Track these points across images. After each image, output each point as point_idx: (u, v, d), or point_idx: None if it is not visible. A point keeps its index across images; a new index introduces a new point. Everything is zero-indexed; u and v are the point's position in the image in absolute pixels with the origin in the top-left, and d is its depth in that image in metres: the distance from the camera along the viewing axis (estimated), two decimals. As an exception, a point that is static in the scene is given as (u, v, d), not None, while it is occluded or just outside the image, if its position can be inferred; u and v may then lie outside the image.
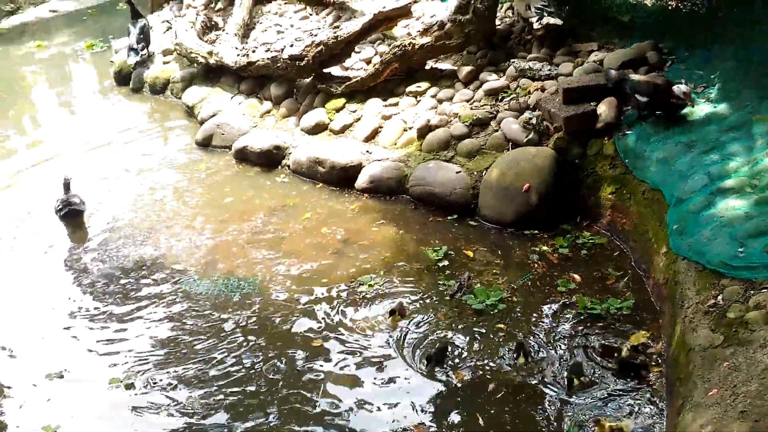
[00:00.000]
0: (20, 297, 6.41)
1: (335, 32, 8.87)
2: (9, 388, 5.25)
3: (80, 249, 7.10)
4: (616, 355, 4.92)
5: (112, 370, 5.34)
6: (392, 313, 5.54)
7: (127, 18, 11.78)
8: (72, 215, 7.51)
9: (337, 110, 8.52)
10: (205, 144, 9.10)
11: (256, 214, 7.38)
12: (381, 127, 8.03)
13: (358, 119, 8.30)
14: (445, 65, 8.59)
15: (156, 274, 6.52)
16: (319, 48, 8.67)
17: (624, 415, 4.45)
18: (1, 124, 10.82)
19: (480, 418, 4.59)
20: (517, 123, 7.11)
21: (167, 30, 11.81)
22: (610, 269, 5.93)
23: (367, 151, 7.80)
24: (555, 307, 5.55)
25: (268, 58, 9.21)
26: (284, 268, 6.42)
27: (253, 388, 5.05)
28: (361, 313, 5.71)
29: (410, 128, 7.79)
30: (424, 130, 7.57)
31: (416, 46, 8.30)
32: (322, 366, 5.21)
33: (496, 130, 7.25)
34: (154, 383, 5.18)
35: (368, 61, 9.09)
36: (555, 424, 4.49)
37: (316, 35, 9.57)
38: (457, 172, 7.04)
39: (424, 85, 8.30)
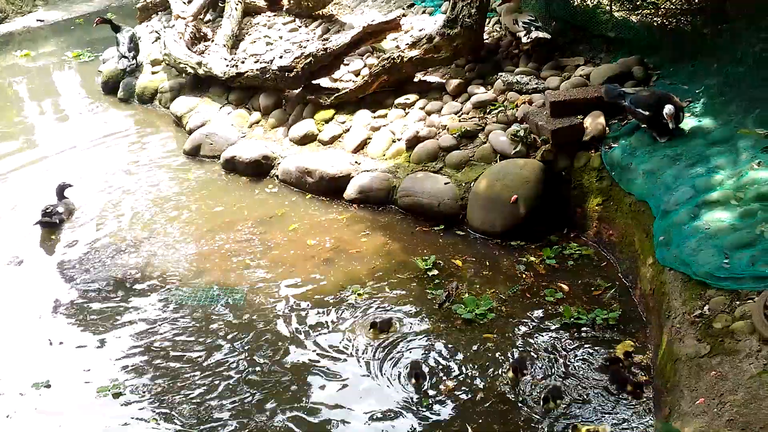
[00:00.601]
0: (4, 305, 6.36)
1: (324, 44, 8.93)
2: (-5, 397, 5.21)
3: (66, 257, 7.06)
4: (605, 365, 4.95)
5: (100, 379, 5.31)
6: (373, 326, 5.53)
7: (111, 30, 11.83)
8: (45, 225, 7.51)
9: (326, 121, 8.56)
10: (194, 154, 9.10)
11: (244, 224, 7.38)
12: (370, 138, 8.08)
13: (347, 130, 8.34)
14: (433, 78, 8.66)
15: (143, 283, 6.50)
16: (308, 59, 8.72)
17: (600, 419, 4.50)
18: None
19: (469, 428, 4.61)
20: (505, 135, 7.17)
21: (156, 40, 11.83)
22: (596, 280, 5.98)
23: (356, 162, 7.84)
24: (543, 317, 5.59)
25: (257, 69, 9.24)
26: (272, 278, 6.42)
27: (240, 398, 5.03)
28: (349, 323, 5.72)
29: (399, 139, 7.84)
30: (413, 142, 7.63)
31: (405, 59, 8.37)
32: (308, 376, 5.20)
33: (484, 142, 7.31)
34: (143, 392, 5.15)
35: (357, 73, 9.15)
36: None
37: (305, 47, 9.62)
38: (445, 183, 7.09)
39: (412, 97, 8.36)
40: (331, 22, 10.69)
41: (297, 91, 9.07)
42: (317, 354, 5.41)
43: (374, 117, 8.33)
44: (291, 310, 5.96)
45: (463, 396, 4.87)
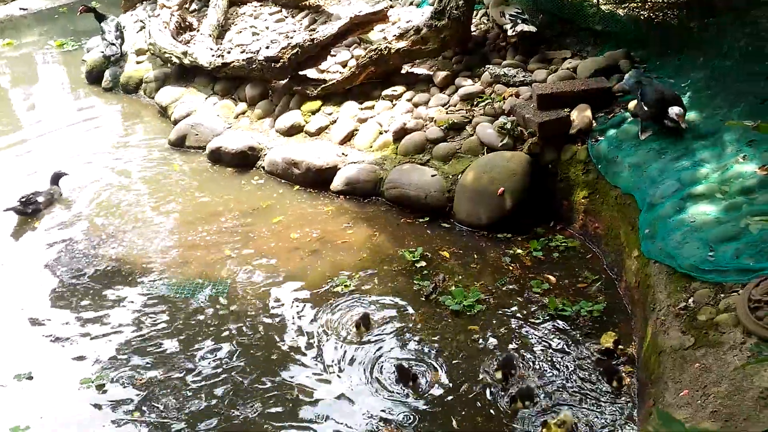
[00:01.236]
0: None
1: (311, 35, 8.87)
2: (-24, 388, 5.16)
3: (49, 247, 6.98)
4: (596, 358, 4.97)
5: (83, 371, 5.27)
6: (357, 326, 5.46)
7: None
8: (18, 213, 7.51)
9: (313, 112, 8.52)
10: (179, 144, 9.03)
11: (229, 216, 7.33)
12: (357, 130, 8.05)
13: (334, 122, 8.30)
14: (420, 70, 8.64)
15: (126, 274, 6.44)
16: (295, 50, 8.66)
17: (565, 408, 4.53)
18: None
19: (453, 420, 4.62)
20: (492, 128, 7.17)
21: (141, 30, 11.71)
22: (582, 272, 6.00)
23: (343, 154, 7.81)
24: (529, 309, 5.60)
25: (243, 60, 9.18)
26: (256, 270, 6.39)
27: (224, 389, 5.01)
28: (335, 315, 5.70)
29: (386, 131, 7.81)
30: (400, 134, 7.61)
31: (392, 51, 8.33)
32: (292, 367, 5.19)
33: (472, 135, 7.31)
34: (126, 384, 5.12)
35: (344, 65, 9.11)
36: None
37: (291, 37, 9.55)
38: (432, 176, 7.08)
39: (399, 89, 8.34)
40: (318, 13, 10.63)
41: (283, 82, 9.02)
42: (302, 345, 5.40)
43: (361, 108, 8.30)
44: (276, 301, 5.94)
45: (449, 387, 4.87)
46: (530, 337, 5.31)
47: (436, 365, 5.08)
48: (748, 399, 3.60)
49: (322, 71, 9.07)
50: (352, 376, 5.05)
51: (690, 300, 4.55)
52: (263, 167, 8.24)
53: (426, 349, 5.25)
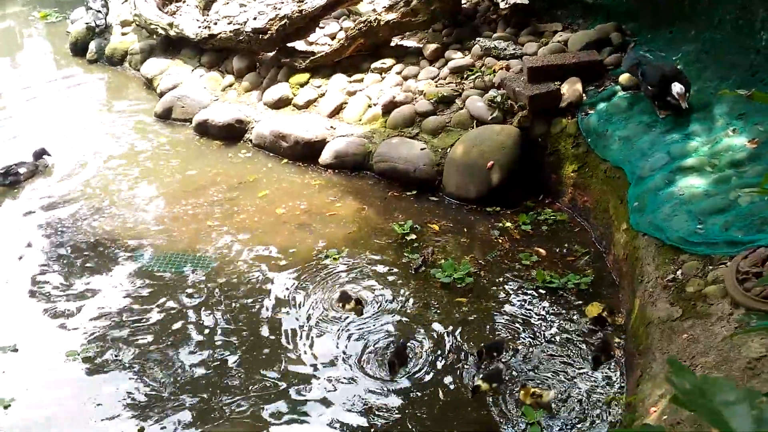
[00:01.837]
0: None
1: (300, 6, 8.74)
2: (-40, 361, 5.11)
3: (32, 220, 6.91)
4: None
5: (69, 344, 5.23)
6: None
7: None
8: None
9: (301, 85, 8.43)
10: (165, 117, 8.92)
11: (216, 189, 7.27)
12: (345, 103, 7.97)
13: (323, 94, 8.22)
14: (410, 42, 8.55)
15: (111, 247, 6.38)
16: (283, 22, 8.54)
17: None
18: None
19: (440, 392, 4.63)
20: (482, 101, 7.12)
21: (126, 1, 11.50)
22: (570, 245, 6.00)
23: (332, 127, 7.74)
24: (517, 282, 5.60)
25: (230, 31, 9.05)
26: (243, 243, 6.34)
27: (212, 362, 4.99)
28: (324, 290, 5.67)
29: (375, 104, 7.74)
30: (389, 107, 7.54)
31: (382, 23, 8.23)
32: (281, 338, 5.17)
33: (461, 108, 7.25)
34: (112, 356, 5.09)
35: (333, 37, 9.00)
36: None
37: (279, 9, 9.41)
38: (421, 149, 7.03)
39: (389, 61, 8.25)
40: (307, -15, 10.47)
41: (271, 54, 8.90)
42: (290, 318, 5.37)
43: (350, 81, 8.21)
44: (262, 274, 5.91)
45: (438, 362, 4.87)
46: (519, 308, 5.31)
47: (425, 336, 5.08)
48: (735, 369, 3.61)
49: (311, 43, 8.95)
50: (342, 350, 5.04)
51: (678, 272, 4.55)
52: (251, 140, 8.16)
53: (414, 322, 5.23)
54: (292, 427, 4.46)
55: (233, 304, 5.57)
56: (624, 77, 6.54)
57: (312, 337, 5.17)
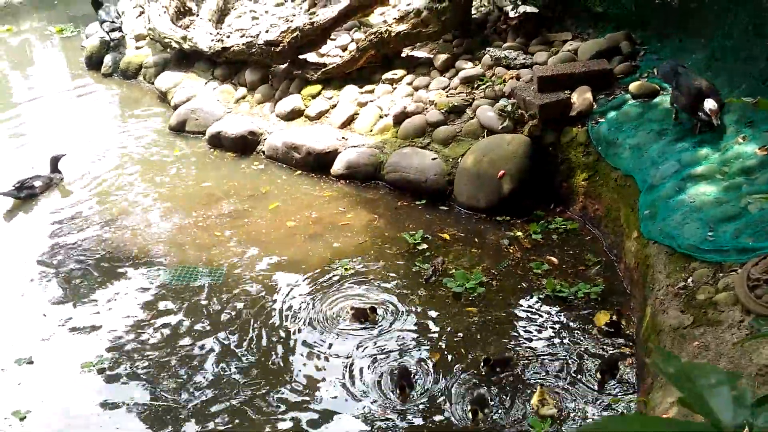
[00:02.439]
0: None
1: (311, 18, 8.83)
2: (-22, 373, 5.18)
3: (48, 232, 7.00)
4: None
5: (84, 355, 5.29)
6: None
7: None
8: (13, 197, 7.54)
9: (313, 96, 8.50)
10: (179, 129, 9.02)
11: (229, 200, 7.33)
12: (357, 114, 8.02)
13: (334, 106, 8.28)
14: (421, 53, 8.60)
15: (124, 260, 6.45)
16: (295, 34, 8.63)
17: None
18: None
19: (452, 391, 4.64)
20: (493, 110, 7.14)
21: (140, 15, 11.66)
22: (581, 254, 5.99)
23: (343, 138, 7.79)
24: (528, 291, 5.60)
25: (243, 44, 9.14)
26: (256, 254, 6.39)
27: (225, 374, 5.03)
28: (335, 301, 5.70)
29: (386, 115, 7.79)
30: (400, 117, 7.58)
31: (392, 34, 8.29)
32: (293, 351, 5.20)
33: (472, 118, 7.28)
34: (127, 368, 5.14)
35: (344, 48, 9.07)
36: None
37: (291, 21, 9.51)
38: (432, 159, 7.06)
39: (400, 72, 8.31)
40: (318, -3, 10.57)
41: (283, 66, 8.99)
42: (302, 329, 5.41)
43: (361, 92, 8.27)
44: (275, 285, 5.95)
45: (449, 369, 4.88)
46: (529, 318, 5.31)
47: (435, 344, 5.09)
48: (746, 376, 3.60)
49: (322, 55, 9.03)
50: (353, 359, 5.06)
51: (689, 279, 4.55)
52: (263, 152, 8.23)
53: (427, 330, 5.25)
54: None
55: (245, 316, 5.61)
56: (634, 86, 6.54)
57: (324, 350, 5.19)
